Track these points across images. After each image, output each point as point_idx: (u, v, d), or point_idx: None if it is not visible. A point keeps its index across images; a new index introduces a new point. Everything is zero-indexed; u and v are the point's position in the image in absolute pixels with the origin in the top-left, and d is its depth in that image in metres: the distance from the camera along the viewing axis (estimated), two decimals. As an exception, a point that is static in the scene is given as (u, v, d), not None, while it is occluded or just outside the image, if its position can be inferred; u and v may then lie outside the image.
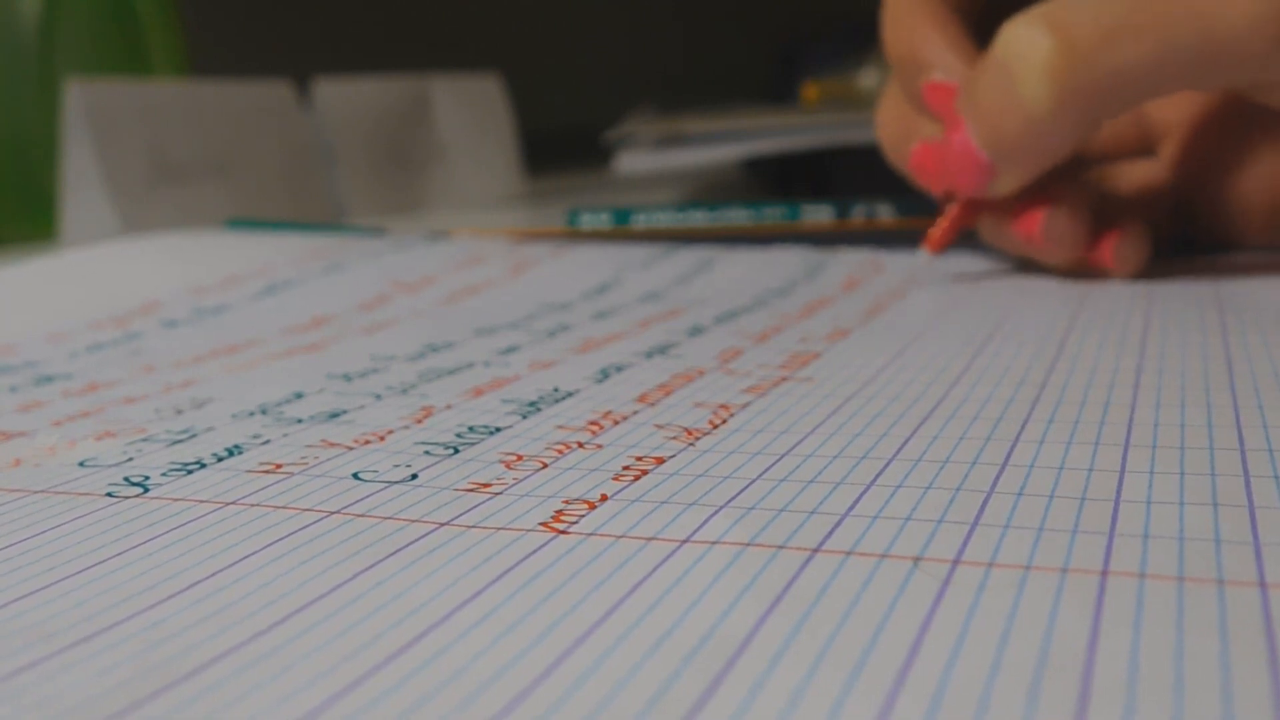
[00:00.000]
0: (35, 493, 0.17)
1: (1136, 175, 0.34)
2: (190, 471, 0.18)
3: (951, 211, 0.31)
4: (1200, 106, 0.33)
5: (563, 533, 0.14)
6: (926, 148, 0.30)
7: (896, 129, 0.32)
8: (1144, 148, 0.35)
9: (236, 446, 0.19)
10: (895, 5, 0.31)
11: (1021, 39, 0.27)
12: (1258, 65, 0.25)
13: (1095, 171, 0.34)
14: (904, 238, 0.38)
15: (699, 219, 0.42)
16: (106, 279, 0.36)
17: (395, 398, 0.22)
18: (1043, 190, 0.29)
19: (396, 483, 0.17)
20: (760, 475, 0.16)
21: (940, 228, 0.31)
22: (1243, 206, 0.32)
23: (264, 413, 0.21)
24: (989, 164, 0.28)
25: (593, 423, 0.20)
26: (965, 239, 0.33)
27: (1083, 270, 0.31)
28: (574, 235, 0.43)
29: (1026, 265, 0.33)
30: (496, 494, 0.16)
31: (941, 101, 0.29)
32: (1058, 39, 0.26)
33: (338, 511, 0.16)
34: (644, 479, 0.16)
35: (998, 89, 0.27)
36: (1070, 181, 0.30)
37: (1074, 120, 0.27)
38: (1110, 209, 0.31)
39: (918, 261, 0.32)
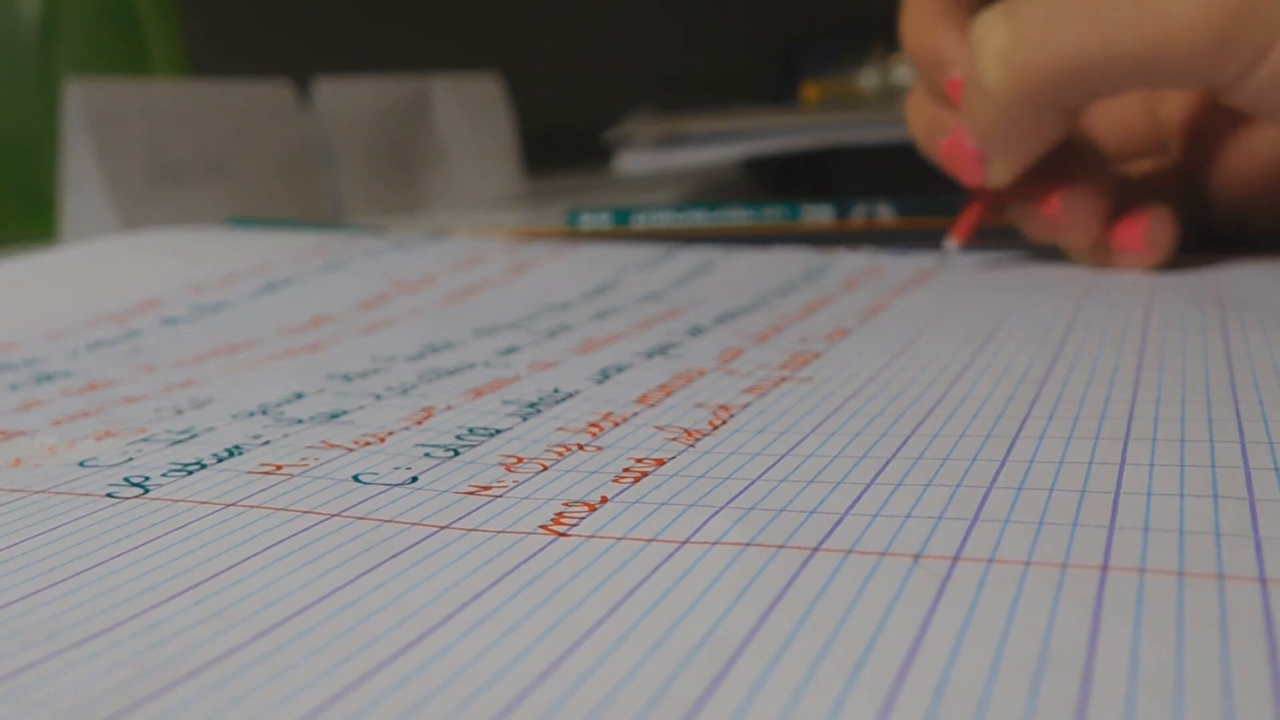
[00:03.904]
0: (35, 493, 0.17)
1: (1150, 166, 0.34)
2: (190, 472, 0.18)
3: (974, 201, 0.32)
4: (1208, 98, 0.33)
5: (563, 535, 0.14)
6: (949, 140, 0.31)
7: (924, 122, 0.33)
8: (1160, 144, 0.35)
9: (237, 447, 0.19)
10: (912, 6, 0.32)
11: (984, 27, 0.28)
12: (1199, 67, 0.26)
13: (1112, 166, 0.34)
14: (904, 238, 0.38)
15: (699, 219, 0.42)
16: (105, 275, 0.36)
17: (395, 398, 0.22)
18: (1063, 173, 0.30)
19: (397, 485, 0.17)
20: (760, 476, 0.16)
21: (965, 218, 0.32)
22: (1252, 195, 0.32)
23: (264, 413, 0.21)
24: (978, 152, 0.30)
25: (593, 424, 0.20)
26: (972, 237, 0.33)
27: (1108, 259, 0.31)
28: (574, 235, 0.43)
29: (1033, 259, 0.33)
30: (497, 496, 0.16)
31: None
32: (1010, 27, 0.27)
33: (338, 514, 0.16)
34: (644, 480, 0.16)
35: (971, 78, 0.29)
36: (1090, 165, 0.31)
37: (1034, 106, 0.28)
38: (1129, 197, 0.31)
39: (945, 251, 0.33)
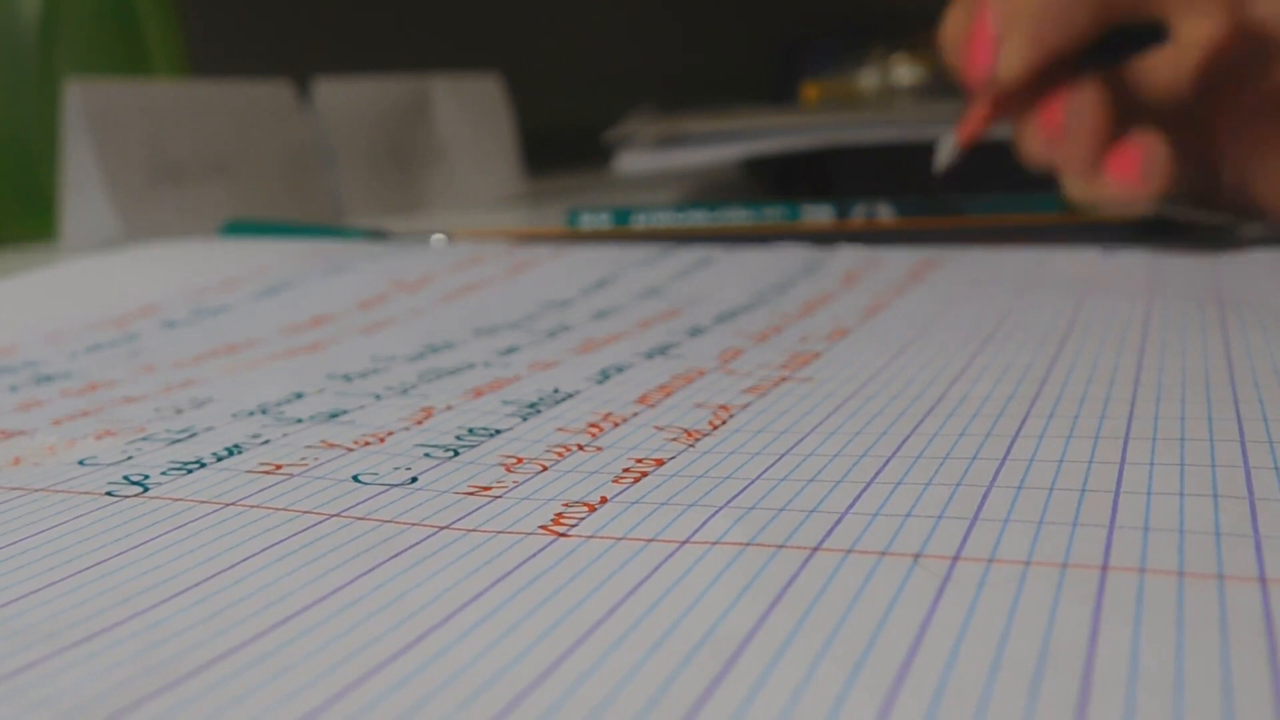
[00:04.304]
0: (35, 491, 0.17)
1: (1160, 79, 0.34)
2: (190, 471, 0.18)
3: (978, 105, 0.33)
4: (1234, 34, 0.33)
5: (563, 535, 0.14)
6: (973, 26, 0.32)
7: (957, 31, 0.33)
8: (1180, 87, 0.35)
9: (236, 446, 0.19)
10: None
11: None
12: None
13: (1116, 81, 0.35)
14: (904, 238, 0.38)
15: (699, 219, 0.42)
16: (106, 284, 0.36)
17: (395, 398, 0.22)
18: (1068, 85, 0.31)
19: (396, 485, 0.17)
20: (760, 475, 0.16)
21: (970, 120, 0.33)
22: (1260, 150, 0.32)
23: (264, 412, 0.21)
24: (996, 36, 0.30)
25: (592, 424, 0.20)
26: (962, 250, 0.33)
27: (1101, 189, 0.31)
28: (574, 236, 0.43)
29: (1033, 258, 0.33)
30: (497, 497, 0.16)
31: None
32: None
33: (338, 514, 0.16)
34: (644, 480, 0.16)
35: None
36: (1097, 81, 0.31)
37: None
38: (1135, 125, 0.31)
39: (942, 149, 0.33)
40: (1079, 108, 0.30)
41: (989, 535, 0.14)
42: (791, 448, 0.17)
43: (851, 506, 0.15)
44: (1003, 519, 0.14)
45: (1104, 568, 0.12)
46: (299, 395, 0.23)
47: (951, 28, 0.34)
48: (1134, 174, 0.30)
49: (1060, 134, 0.31)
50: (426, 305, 0.32)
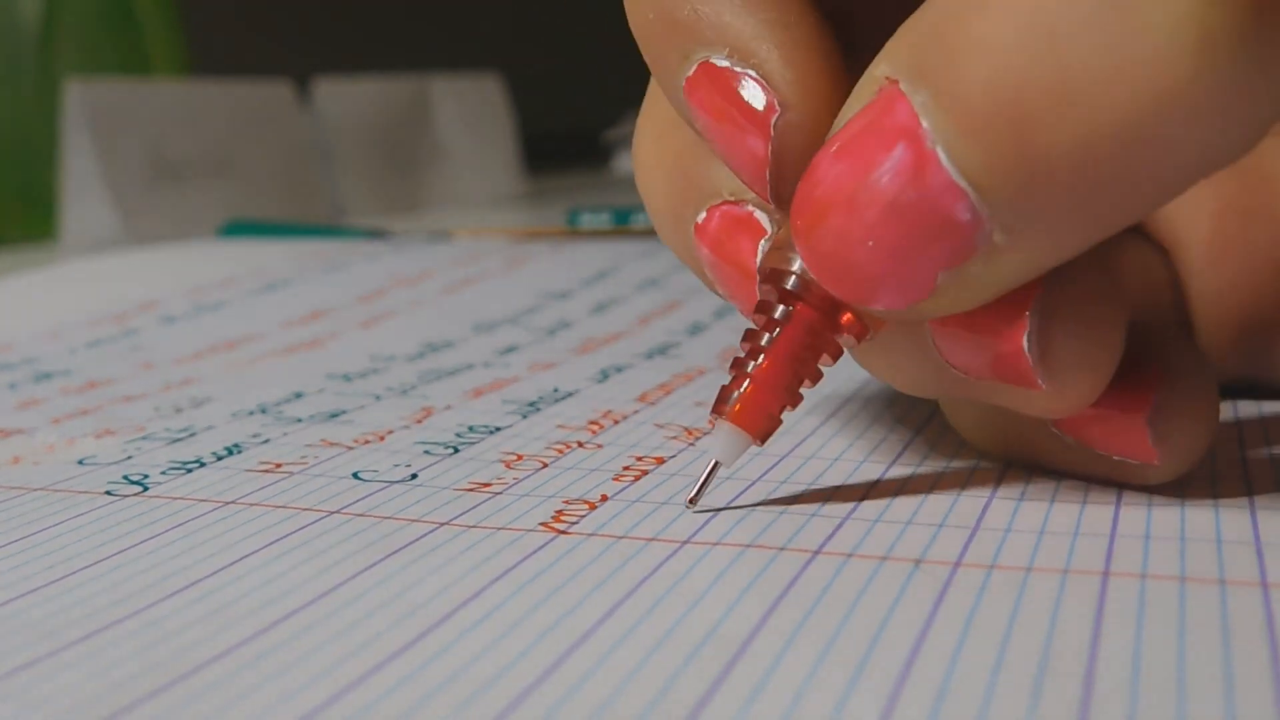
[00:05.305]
0: (35, 490, 0.17)
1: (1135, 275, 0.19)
2: (190, 470, 0.18)
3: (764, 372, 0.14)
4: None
5: (563, 533, 0.14)
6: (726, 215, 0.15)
7: (672, 182, 0.16)
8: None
9: (236, 445, 0.19)
10: None
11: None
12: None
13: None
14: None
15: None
16: (105, 283, 0.36)
17: (395, 398, 0.22)
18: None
19: (396, 482, 0.17)
20: (761, 476, 0.16)
21: (754, 396, 0.14)
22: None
23: (263, 412, 0.21)
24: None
25: (593, 422, 0.20)
26: None
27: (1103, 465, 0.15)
28: (574, 235, 0.43)
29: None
30: (496, 494, 0.16)
31: (722, 112, 0.14)
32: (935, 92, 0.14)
33: (337, 511, 0.16)
34: (644, 479, 0.16)
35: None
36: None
37: None
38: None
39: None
40: (1069, 335, 0.14)
41: (990, 543, 0.14)
42: (792, 449, 0.17)
43: (853, 511, 0.15)
44: (1004, 528, 0.14)
45: (1105, 573, 0.12)
46: (298, 395, 0.23)
47: (659, 186, 0.16)
48: (1141, 448, 0.14)
49: (1029, 370, 0.13)
50: (426, 297, 0.32)
